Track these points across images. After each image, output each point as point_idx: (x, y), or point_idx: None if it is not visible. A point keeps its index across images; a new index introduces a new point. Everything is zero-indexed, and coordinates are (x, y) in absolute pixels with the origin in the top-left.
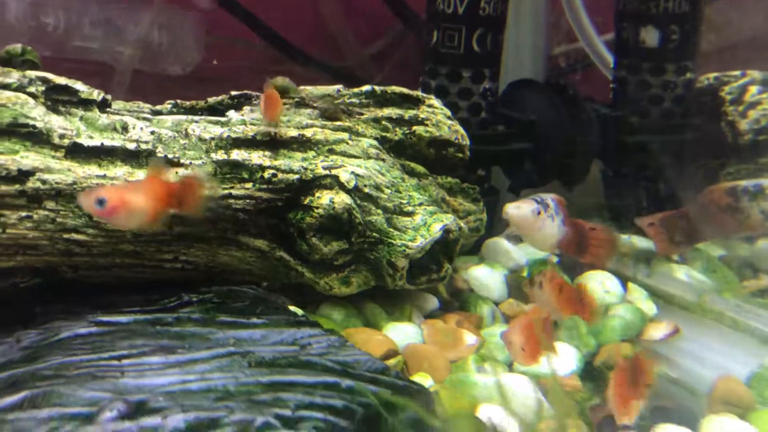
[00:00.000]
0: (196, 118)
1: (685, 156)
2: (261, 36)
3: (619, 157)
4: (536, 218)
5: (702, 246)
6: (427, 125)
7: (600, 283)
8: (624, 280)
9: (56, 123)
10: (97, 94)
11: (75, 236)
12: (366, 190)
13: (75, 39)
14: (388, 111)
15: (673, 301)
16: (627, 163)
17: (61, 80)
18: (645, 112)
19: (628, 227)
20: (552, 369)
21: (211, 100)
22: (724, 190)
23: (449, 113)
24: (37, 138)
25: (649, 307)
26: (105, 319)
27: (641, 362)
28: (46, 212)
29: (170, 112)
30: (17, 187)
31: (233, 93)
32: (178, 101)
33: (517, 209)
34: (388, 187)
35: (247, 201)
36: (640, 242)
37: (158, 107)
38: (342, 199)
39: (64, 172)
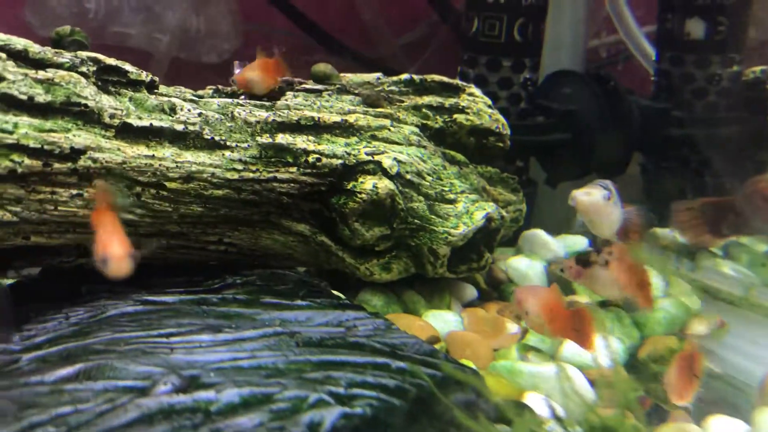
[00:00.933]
0: (241, 101)
1: (731, 149)
2: (296, 24)
3: (661, 150)
4: (607, 204)
5: (745, 240)
6: (467, 113)
7: None
8: (665, 274)
9: (107, 103)
10: (145, 76)
11: (123, 215)
12: (408, 176)
13: (114, 25)
14: (428, 99)
15: (720, 295)
16: (669, 156)
17: (111, 61)
18: (689, 105)
19: (669, 221)
20: (607, 358)
21: None
22: None
23: (489, 102)
24: (89, 117)
25: (693, 302)
26: (151, 298)
27: (694, 354)
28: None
29: (212, 97)
30: (69, 165)
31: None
32: (219, 86)
33: (588, 195)
34: (429, 174)
35: (291, 185)
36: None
37: (200, 92)
38: (385, 184)
39: (114, 151)
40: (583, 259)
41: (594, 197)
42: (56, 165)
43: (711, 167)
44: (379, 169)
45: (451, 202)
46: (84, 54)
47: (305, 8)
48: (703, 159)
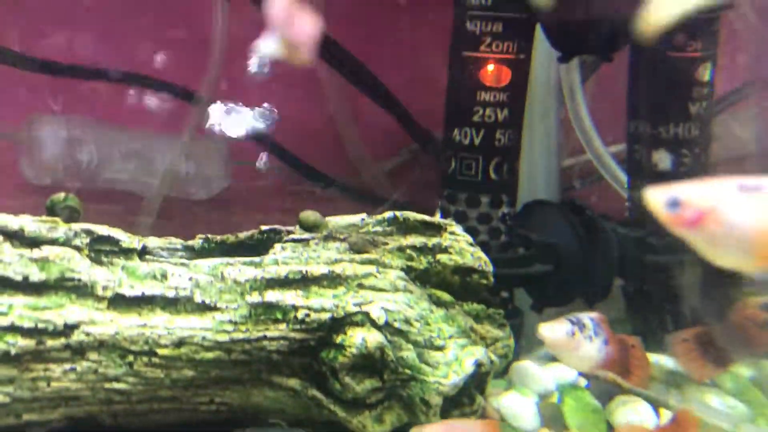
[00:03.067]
0: (231, 260)
1: (709, 275)
2: (281, 160)
3: (638, 275)
4: (571, 339)
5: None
6: (450, 253)
7: (633, 410)
8: (656, 406)
9: (100, 275)
10: (137, 243)
11: (116, 385)
12: (396, 324)
13: (106, 172)
14: (411, 239)
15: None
16: (648, 281)
17: (104, 231)
18: (663, 233)
19: (653, 347)
20: None
21: (242, 235)
22: (758, 305)
23: (471, 240)
24: (82, 291)
25: None
26: None
27: None
28: (89, 363)
29: (201, 247)
30: (63, 340)
31: (263, 228)
32: (209, 236)
33: (551, 331)
34: (417, 321)
35: (281, 342)
36: (669, 363)
37: (190, 242)
38: (374, 337)
39: (107, 323)
40: None
41: (556, 333)
42: (50, 342)
43: (688, 293)
44: (368, 320)
45: (441, 348)
46: (78, 226)
47: (287, 141)
48: (680, 284)
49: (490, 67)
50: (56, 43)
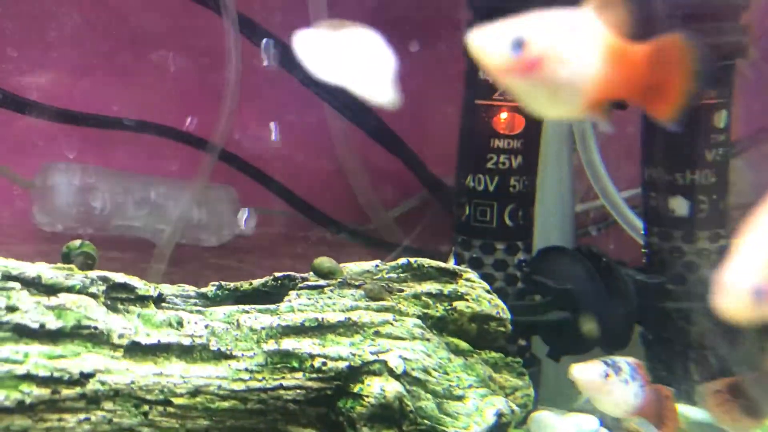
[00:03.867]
0: (246, 307)
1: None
2: (292, 206)
3: (659, 323)
4: (604, 381)
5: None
6: (467, 300)
7: None
8: None
9: (116, 323)
10: (153, 290)
11: None
12: (414, 374)
13: (119, 219)
14: (427, 286)
15: None
16: (668, 328)
17: (120, 278)
18: (681, 279)
19: (677, 396)
20: None
21: (256, 282)
22: None
23: (488, 287)
24: (98, 339)
25: None
26: None
27: None
28: (103, 413)
29: (215, 294)
30: (78, 390)
31: (277, 275)
32: (222, 283)
33: (583, 372)
34: (435, 369)
35: (298, 391)
36: (694, 413)
37: (203, 289)
38: (393, 386)
39: (123, 371)
40: None
41: (589, 374)
42: (65, 391)
43: (710, 340)
44: (385, 369)
45: (460, 398)
46: (95, 274)
47: (298, 188)
48: (705, 331)
49: (504, 114)
50: (71, 91)
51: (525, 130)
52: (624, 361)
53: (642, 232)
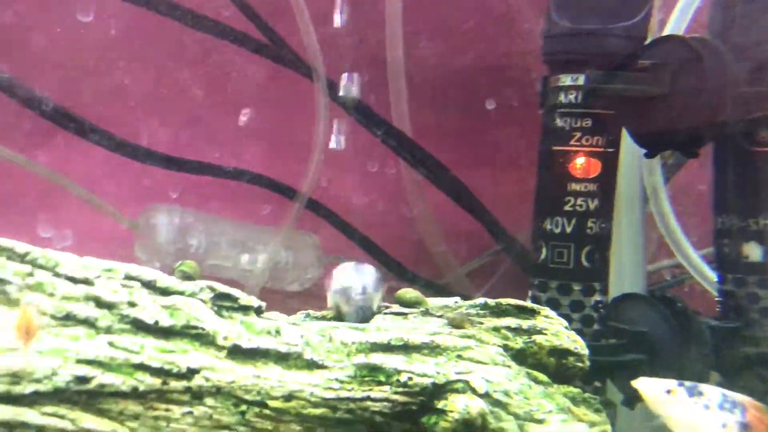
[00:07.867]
0: (337, 324)
1: None
2: (369, 253)
3: (737, 369)
4: (667, 398)
5: None
6: (546, 334)
7: None
8: None
9: (221, 326)
10: (255, 302)
11: None
12: (496, 396)
13: (212, 258)
14: (506, 321)
15: None
16: (746, 375)
17: (224, 289)
18: (758, 324)
19: None
20: None
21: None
22: None
23: (566, 323)
24: (205, 339)
25: None
26: None
27: None
28: (205, 408)
29: (303, 322)
30: (185, 383)
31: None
32: (310, 312)
33: (646, 383)
34: (516, 394)
35: (384, 404)
36: None
37: (292, 317)
38: (476, 403)
39: (226, 371)
40: None
41: (651, 386)
42: (173, 383)
43: None
44: (469, 389)
45: (541, 422)
46: (203, 282)
47: (378, 239)
48: None
49: (580, 159)
50: (172, 140)
51: (601, 174)
52: (716, 390)
53: (716, 280)
